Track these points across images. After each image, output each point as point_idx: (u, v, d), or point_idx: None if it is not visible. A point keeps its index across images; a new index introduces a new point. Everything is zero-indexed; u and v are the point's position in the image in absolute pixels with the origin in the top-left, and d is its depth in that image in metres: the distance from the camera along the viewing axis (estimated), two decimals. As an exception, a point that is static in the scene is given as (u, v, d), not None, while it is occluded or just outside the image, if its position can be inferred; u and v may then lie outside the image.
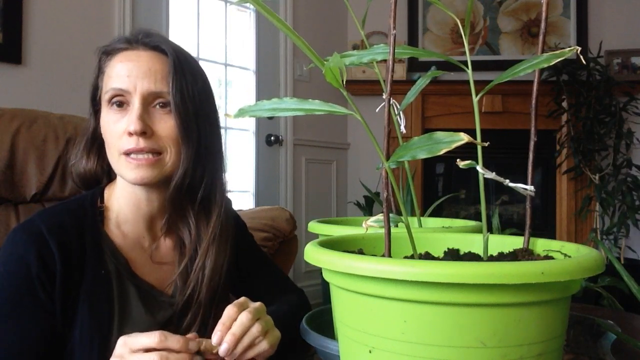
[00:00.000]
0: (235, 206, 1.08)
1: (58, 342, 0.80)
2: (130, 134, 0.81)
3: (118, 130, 0.83)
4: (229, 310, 0.72)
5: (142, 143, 0.81)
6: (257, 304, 0.76)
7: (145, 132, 0.81)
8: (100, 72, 0.88)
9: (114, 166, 0.86)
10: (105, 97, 0.85)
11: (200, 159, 0.87)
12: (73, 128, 1.29)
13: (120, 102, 0.83)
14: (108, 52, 0.87)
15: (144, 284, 0.88)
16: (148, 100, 0.83)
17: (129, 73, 0.82)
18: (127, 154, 0.82)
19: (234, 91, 3.01)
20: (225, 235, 0.92)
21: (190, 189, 0.88)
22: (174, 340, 0.67)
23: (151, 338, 0.67)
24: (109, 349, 0.79)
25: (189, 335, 0.71)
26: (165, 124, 0.83)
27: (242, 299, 0.76)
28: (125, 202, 0.89)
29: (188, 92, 0.85)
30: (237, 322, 0.71)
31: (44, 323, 0.79)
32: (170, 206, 0.88)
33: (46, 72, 2.11)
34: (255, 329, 0.72)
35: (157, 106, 0.84)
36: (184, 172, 0.85)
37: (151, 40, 0.86)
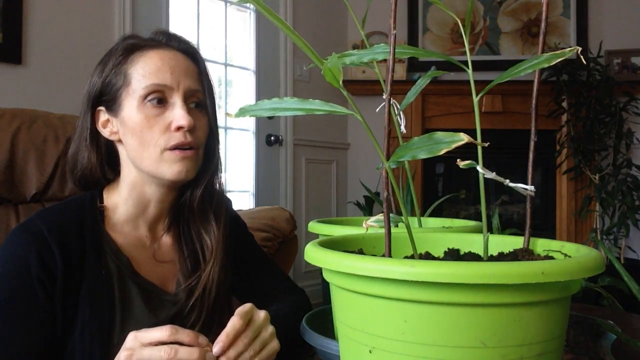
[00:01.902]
0: (235, 206, 1.08)
1: (58, 342, 0.80)
2: (178, 129, 0.84)
3: (160, 125, 0.84)
4: (235, 323, 0.72)
5: (189, 137, 0.85)
6: (261, 317, 0.76)
7: (192, 127, 0.85)
8: (118, 68, 0.86)
9: (150, 163, 0.85)
10: (140, 93, 0.84)
11: (216, 158, 0.94)
12: (73, 128, 1.29)
13: (159, 98, 0.85)
14: (132, 49, 0.87)
15: (146, 282, 0.88)
16: (186, 97, 0.86)
17: (172, 70, 0.86)
18: (172, 148, 0.84)
19: (234, 91, 3.01)
20: (228, 236, 0.94)
21: (212, 189, 0.93)
22: (185, 334, 0.68)
23: (162, 332, 0.67)
24: (110, 349, 0.79)
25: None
26: (200, 122, 0.88)
27: (248, 307, 0.75)
28: (132, 202, 0.89)
29: (213, 93, 0.92)
30: (234, 346, 0.71)
31: (44, 324, 0.79)
32: (198, 208, 0.92)
33: (46, 72, 2.11)
34: (248, 354, 0.72)
35: (191, 104, 0.88)
36: (213, 170, 0.92)
37: (184, 43, 0.91)
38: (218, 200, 0.95)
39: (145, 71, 0.85)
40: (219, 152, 0.95)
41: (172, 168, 0.84)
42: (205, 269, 0.89)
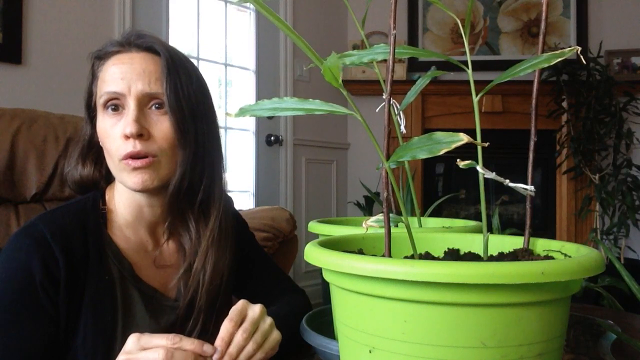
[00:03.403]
0: (236, 206, 1.08)
1: (60, 349, 0.80)
2: (127, 137, 0.80)
3: (115, 134, 0.81)
4: (227, 326, 0.72)
5: (139, 146, 0.79)
6: (257, 311, 0.76)
7: (142, 134, 0.80)
8: (93, 77, 0.87)
9: (115, 173, 0.84)
10: (100, 102, 0.83)
11: (198, 160, 0.86)
12: (73, 128, 1.29)
13: (116, 105, 0.82)
14: (100, 57, 0.86)
15: (148, 288, 0.87)
16: (143, 102, 0.82)
17: (123, 75, 0.81)
18: (125, 158, 0.81)
19: (234, 91, 3.01)
20: (225, 237, 0.90)
21: (189, 192, 0.86)
22: (189, 342, 0.68)
23: (166, 340, 0.67)
24: (112, 355, 0.79)
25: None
26: (162, 126, 0.82)
27: (241, 304, 0.76)
28: (125, 207, 0.87)
29: (183, 92, 0.83)
30: (233, 342, 0.72)
31: (47, 330, 0.78)
32: (169, 210, 0.87)
33: (46, 72, 2.11)
34: (250, 346, 0.73)
35: (153, 107, 0.82)
36: (182, 174, 0.84)
37: (144, 41, 0.85)
38: (205, 203, 0.89)
39: (102, 81, 0.83)
40: (205, 152, 0.87)
41: (129, 179, 0.81)
42: (201, 274, 0.87)
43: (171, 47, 0.87)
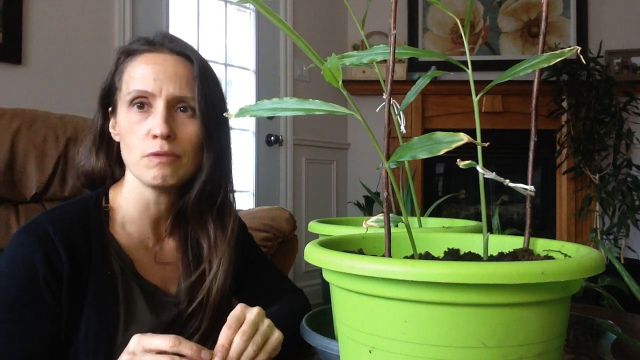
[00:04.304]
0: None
1: (63, 344, 0.80)
2: (155, 137, 0.82)
3: (141, 131, 0.83)
4: (226, 332, 0.73)
5: (165, 146, 0.82)
6: (254, 313, 0.76)
7: (170, 135, 0.82)
8: (117, 71, 0.88)
9: (133, 167, 0.86)
10: (126, 98, 0.84)
11: (219, 164, 0.89)
12: (73, 128, 1.29)
13: (142, 103, 0.84)
14: (129, 53, 0.87)
15: (149, 284, 0.88)
16: (171, 104, 0.84)
17: (155, 76, 0.83)
18: (148, 155, 0.83)
19: (234, 91, 3.01)
20: (235, 241, 0.93)
21: (210, 195, 0.89)
22: (187, 347, 0.68)
23: (165, 341, 0.68)
24: (114, 350, 0.79)
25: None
26: (188, 128, 0.85)
27: (238, 309, 0.76)
28: (133, 202, 0.89)
29: (211, 98, 0.87)
30: (232, 346, 0.72)
31: (50, 325, 0.78)
32: (192, 213, 0.90)
33: (46, 72, 2.11)
34: (250, 349, 0.73)
35: (179, 110, 0.85)
36: (206, 177, 0.87)
37: (176, 45, 0.88)
38: (222, 207, 0.92)
39: (130, 77, 0.85)
40: (223, 158, 0.91)
41: (149, 173, 0.83)
42: (207, 275, 0.89)
43: (200, 54, 0.90)
